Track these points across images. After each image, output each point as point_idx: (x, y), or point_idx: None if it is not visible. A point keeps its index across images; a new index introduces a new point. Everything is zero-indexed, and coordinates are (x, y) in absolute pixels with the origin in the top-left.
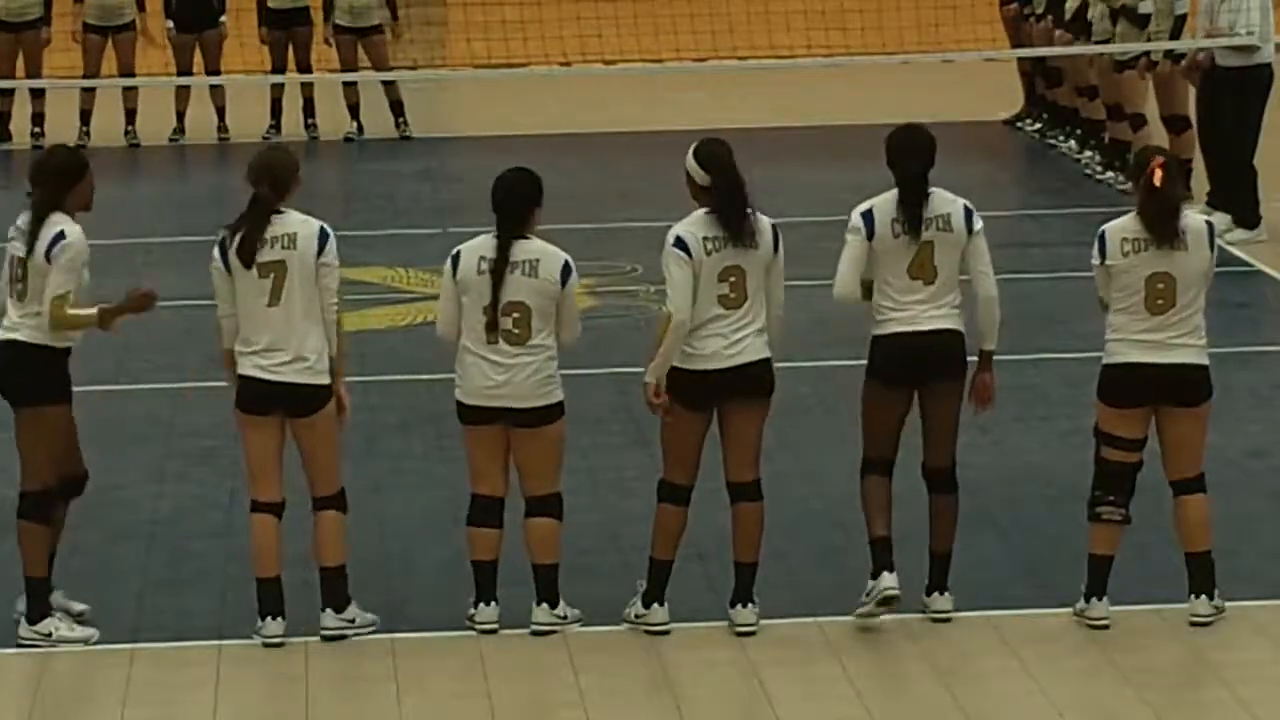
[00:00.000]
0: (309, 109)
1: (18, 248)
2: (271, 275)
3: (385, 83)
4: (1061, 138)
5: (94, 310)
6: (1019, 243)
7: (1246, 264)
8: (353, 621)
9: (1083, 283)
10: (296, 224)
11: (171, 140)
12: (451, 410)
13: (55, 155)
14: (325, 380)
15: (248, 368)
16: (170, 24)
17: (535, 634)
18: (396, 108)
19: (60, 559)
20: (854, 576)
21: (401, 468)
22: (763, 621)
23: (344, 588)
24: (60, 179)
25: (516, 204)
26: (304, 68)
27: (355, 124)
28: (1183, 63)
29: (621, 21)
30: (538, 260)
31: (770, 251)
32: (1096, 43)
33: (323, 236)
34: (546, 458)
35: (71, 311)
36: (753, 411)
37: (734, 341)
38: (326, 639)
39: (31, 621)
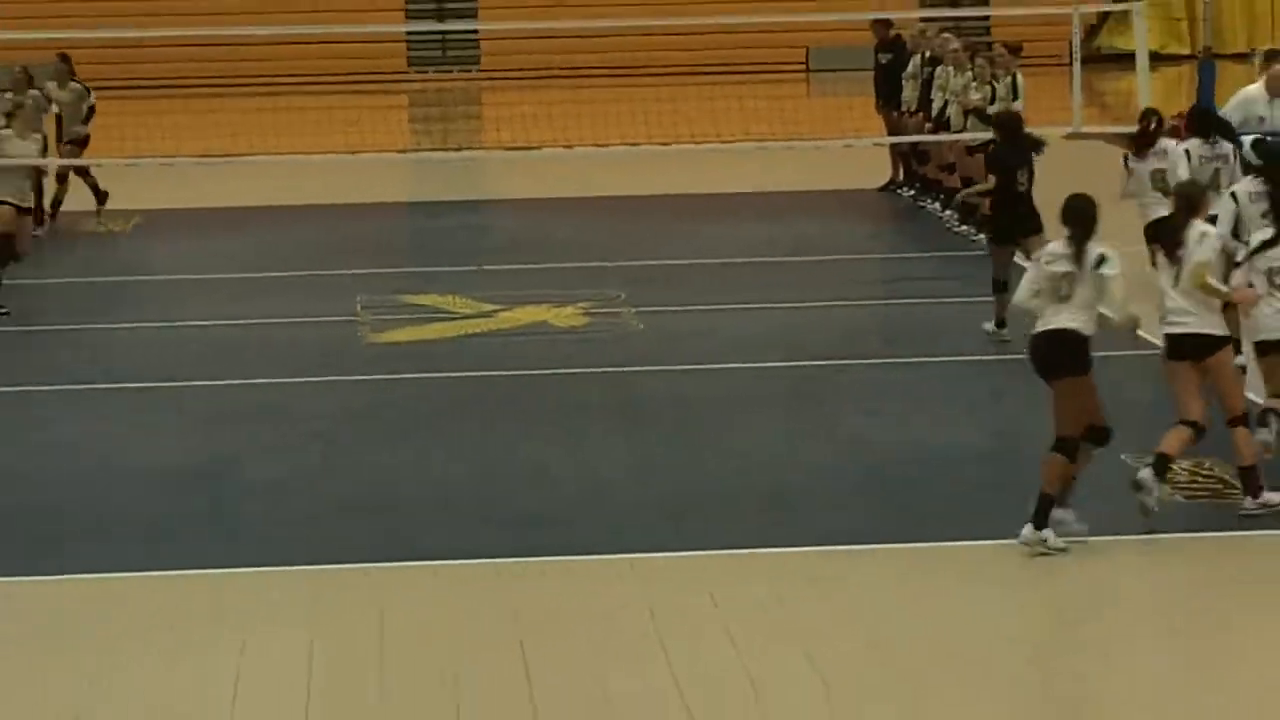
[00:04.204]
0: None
1: (1063, 266)
2: None
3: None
4: (929, 201)
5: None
6: (901, 277)
7: None
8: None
9: (946, 308)
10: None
11: None
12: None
13: (1077, 201)
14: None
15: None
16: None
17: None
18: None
19: (205, 509)
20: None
21: (450, 443)
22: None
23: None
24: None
25: None
26: None
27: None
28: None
29: (609, 116)
30: None
31: None
32: (953, 133)
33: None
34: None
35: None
36: None
37: None
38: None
39: (1038, 527)
